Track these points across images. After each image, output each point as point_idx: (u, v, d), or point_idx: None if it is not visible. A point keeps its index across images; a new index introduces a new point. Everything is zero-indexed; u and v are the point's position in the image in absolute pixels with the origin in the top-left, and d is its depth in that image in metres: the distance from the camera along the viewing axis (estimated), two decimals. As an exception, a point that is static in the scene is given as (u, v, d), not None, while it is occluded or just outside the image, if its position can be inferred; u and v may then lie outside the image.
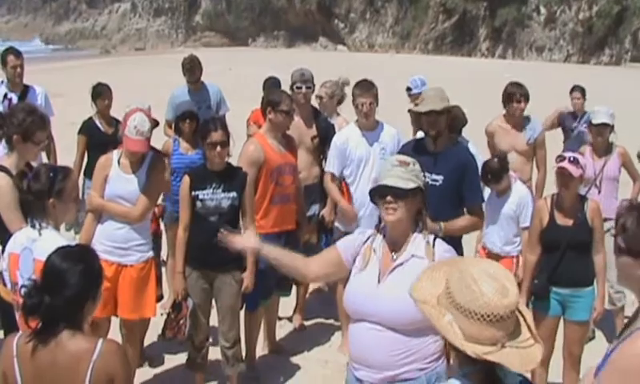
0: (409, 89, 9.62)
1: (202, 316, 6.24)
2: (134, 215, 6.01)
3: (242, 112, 10.19)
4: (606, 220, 6.36)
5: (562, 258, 5.89)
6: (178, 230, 6.29)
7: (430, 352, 3.90)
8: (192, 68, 9.29)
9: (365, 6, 62.49)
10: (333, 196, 7.28)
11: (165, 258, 8.16)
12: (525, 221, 6.82)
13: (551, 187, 6.45)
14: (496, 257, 6.95)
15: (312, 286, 8.57)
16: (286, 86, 7.93)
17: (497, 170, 6.82)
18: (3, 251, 4.71)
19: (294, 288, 7.70)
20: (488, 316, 2.63)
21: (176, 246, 6.35)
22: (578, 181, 5.91)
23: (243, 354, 6.59)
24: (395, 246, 4.06)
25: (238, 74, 32.36)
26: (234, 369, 6.35)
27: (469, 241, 6.77)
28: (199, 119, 7.69)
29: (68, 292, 3.24)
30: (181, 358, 6.83)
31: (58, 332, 3.24)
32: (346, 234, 5.73)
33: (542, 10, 53.60)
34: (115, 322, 6.27)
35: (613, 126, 7.80)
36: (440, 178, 5.80)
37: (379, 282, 4.00)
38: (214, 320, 6.41)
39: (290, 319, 8.14)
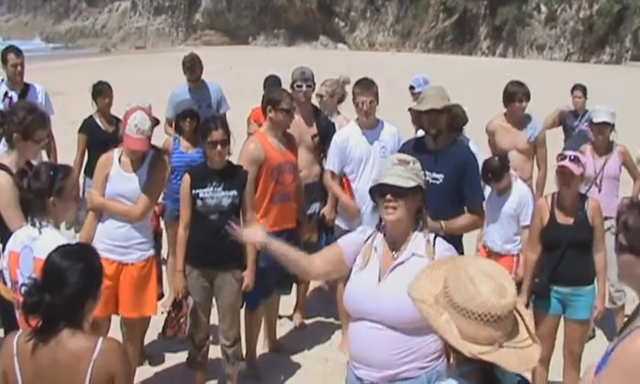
0: (412, 87, 9.61)
1: (202, 314, 6.24)
2: (134, 214, 6.01)
3: (242, 110, 10.19)
4: (606, 218, 6.36)
5: (562, 256, 5.89)
6: (178, 228, 6.30)
7: (431, 351, 3.90)
8: (192, 66, 9.29)
9: (365, 5, 62.47)
10: (334, 192, 7.28)
11: (165, 257, 8.16)
12: (525, 219, 6.81)
13: (552, 186, 6.45)
14: (496, 255, 6.95)
15: (312, 285, 8.58)
16: (286, 85, 7.93)
17: (497, 169, 6.82)
18: (3, 250, 4.71)
19: (295, 286, 7.70)
20: (485, 316, 2.62)
21: (176, 244, 6.35)
22: (578, 179, 5.91)
23: (244, 352, 6.59)
24: (395, 244, 4.06)
25: (239, 73, 32.34)
26: (234, 367, 6.35)
27: (469, 239, 6.77)
28: (200, 118, 7.69)
29: (68, 290, 3.23)
30: (181, 357, 6.83)
31: (58, 331, 3.24)
32: (347, 232, 5.74)
33: (543, 8, 53.59)
34: (115, 321, 6.26)
35: (613, 125, 7.81)
36: (440, 176, 5.79)
37: (380, 280, 4.00)
38: (214, 318, 6.41)
39: (290, 318, 8.14)
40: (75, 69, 37.68)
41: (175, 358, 7.08)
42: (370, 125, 7.11)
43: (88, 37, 79.66)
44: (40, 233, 4.37)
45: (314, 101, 8.18)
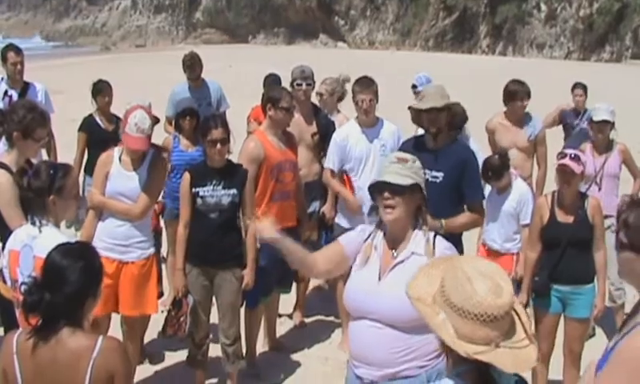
0: (414, 86, 9.60)
1: (202, 313, 6.24)
2: (134, 212, 6.01)
3: (242, 109, 10.18)
4: (606, 217, 6.36)
5: (562, 255, 5.88)
6: (178, 226, 6.30)
7: (431, 349, 3.89)
8: (192, 65, 9.29)
9: (365, 3, 62.44)
10: (334, 189, 7.28)
11: (165, 255, 8.15)
12: (525, 218, 6.81)
13: (551, 184, 6.45)
14: (496, 254, 6.95)
15: (312, 284, 8.58)
16: (286, 83, 7.93)
17: (497, 168, 6.82)
18: (3, 248, 4.71)
19: (294, 285, 7.70)
20: (481, 315, 2.60)
21: (176, 243, 6.35)
22: (579, 178, 5.90)
23: (243, 351, 6.58)
24: (395, 243, 4.06)
25: (239, 71, 32.34)
26: (234, 366, 6.35)
27: (470, 238, 6.77)
28: (199, 116, 7.69)
29: (68, 289, 3.23)
30: (181, 355, 6.84)
31: (58, 329, 3.24)
32: (347, 230, 5.74)
33: (543, 6, 53.58)
34: (115, 319, 6.26)
35: (613, 123, 7.81)
36: (440, 174, 5.80)
37: (380, 279, 4.00)
38: (214, 317, 6.41)
39: (290, 316, 8.14)
40: (75, 67, 37.67)
41: (175, 357, 7.08)
42: (370, 123, 7.11)
43: (88, 35, 79.63)
44: (40, 231, 4.37)
45: (314, 99, 8.18)
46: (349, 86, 7.73)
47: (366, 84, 7.03)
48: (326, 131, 7.64)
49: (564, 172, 5.83)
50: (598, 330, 7.59)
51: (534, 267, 6.07)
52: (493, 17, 54.82)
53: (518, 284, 6.43)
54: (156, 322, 6.78)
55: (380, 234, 4.13)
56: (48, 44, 75.54)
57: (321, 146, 7.70)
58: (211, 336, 6.46)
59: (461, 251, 5.48)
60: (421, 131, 6.47)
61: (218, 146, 6.02)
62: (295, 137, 7.20)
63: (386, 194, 3.96)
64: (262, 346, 7.32)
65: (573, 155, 5.85)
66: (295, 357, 7.32)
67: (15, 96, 8.47)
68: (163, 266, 7.72)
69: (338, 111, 8.39)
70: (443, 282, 2.72)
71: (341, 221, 7.23)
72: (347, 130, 7.19)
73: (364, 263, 4.10)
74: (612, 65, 45.74)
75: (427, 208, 4.12)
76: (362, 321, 4.00)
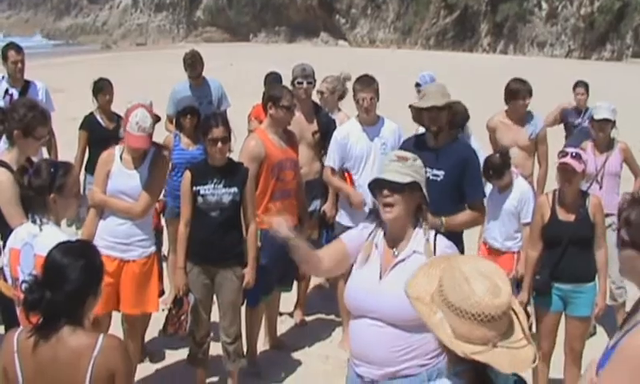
0: (418, 85, 9.60)
1: (203, 311, 6.24)
2: (136, 211, 6.00)
3: (243, 107, 10.18)
4: (607, 215, 6.35)
5: (563, 253, 5.88)
6: (179, 225, 6.29)
7: (431, 348, 3.89)
8: (193, 63, 9.29)
9: (366, 2, 62.48)
10: (335, 186, 7.28)
11: (166, 254, 8.16)
12: (526, 216, 6.81)
13: (552, 183, 6.45)
14: (497, 252, 6.95)
15: (313, 282, 8.57)
16: (287, 82, 7.92)
17: (499, 166, 6.82)
18: (4, 247, 4.71)
19: (295, 284, 7.70)
20: (479, 315, 2.59)
21: (177, 241, 6.35)
22: (580, 176, 5.90)
23: (244, 349, 6.58)
24: (395, 241, 4.06)
25: (239, 70, 32.34)
26: (235, 364, 6.35)
27: (471, 237, 6.76)
28: (200, 114, 7.69)
29: (69, 287, 3.23)
30: (182, 354, 6.84)
31: (58, 327, 3.24)
32: (348, 228, 5.74)
33: (544, 5, 53.59)
34: (116, 318, 6.26)
35: (614, 122, 7.80)
36: (441, 173, 5.79)
37: (380, 278, 4.00)
38: (215, 315, 6.41)
39: (290, 315, 8.14)
40: (76, 66, 37.67)
41: (176, 355, 7.08)
42: (371, 121, 7.11)
43: (89, 34, 79.69)
44: (40, 230, 4.38)
45: (315, 98, 8.17)
46: (350, 85, 7.73)
47: (366, 82, 7.03)
48: (326, 129, 7.64)
49: (565, 170, 5.82)
50: (599, 329, 7.59)
51: (535, 266, 6.06)
52: (494, 15, 54.83)
53: (518, 283, 6.43)
54: (157, 320, 6.78)
55: (381, 232, 4.12)
56: (49, 42, 75.62)
57: (322, 144, 7.69)
58: (212, 334, 6.46)
59: (462, 250, 5.49)
60: (422, 130, 6.47)
61: (219, 144, 6.01)
62: (296, 135, 7.20)
63: (385, 192, 3.97)
64: (262, 344, 7.32)
65: (574, 154, 5.85)
66: (296, 355, 7.32)
67: (16, 94, 8.47)
68: (164, 265, 7.72)
69: (339, 110, 8.38)
70: (441, 281, 2.71)
71: (341, 219, 7.23)
72: (348, 128, 7.19)
73: (364, 261, 4.10)
74: (613, 63, 45.72)
75: (428, 207, 4.11)
76: (363, 319, 4.00)
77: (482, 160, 6.61)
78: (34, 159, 5.41)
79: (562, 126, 10.47)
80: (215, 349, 6.53)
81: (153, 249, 6.21)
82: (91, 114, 8.84)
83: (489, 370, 2.64)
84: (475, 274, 2.65)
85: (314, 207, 7.67)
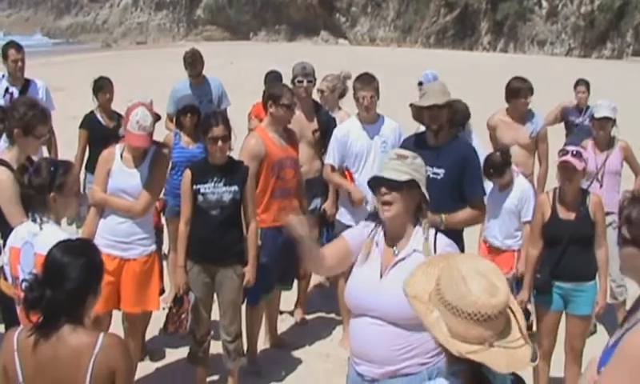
0: (421, 83, 9.59)
1: (203, 310, 6.24)
2: (136, 209, 6.00)
3: (243, 106, 10.18)
4: (608, 214, 6.35)
5: (564, 252, 5.88)
6: (179, 224, 6.29)
7: (432, 347, 3.88)
8: (193, 62, 9.29)
9: (366, 0, 62.45)
10: (335, 183, 7.28)
11: (166, 252, 8.16)
12: (527, 215, 6.81)
13: (553, 182, 6.44)
14: (497, 251, 6.96)
15: (313, 281, 8.57)
16: (287, 80, 7.92)
17: (499, 164, 6.82)
18: (4, 245, 4.71)
19: (296, 282, 7.70)
20: (475, 315, 2.59)
21: (177, 239, 6.35)
22: (580, 174, 5.90)
23: (245, 348, 6.58)
24: (395, 240, 4.06)
25: (240, 68, 32.33)
26: (235, 363, 6.35)
27: (472, 235, 6.76)
28: (200, 113, 7.69)
29: (69, 285, 3.23)
30: (182, 352, 6.84)
31: (59, 326, 3.24)
32: (348, 227, 5.74)
33: (544, 3, 53.58)
34: (117, 316, 6.26)
35: (615, 120, 7.80)
36: (441, 171, 5.79)
37: (381, 276, 4.00)
38: (215, 314, 6.40)
39: (291, 313, 8.14)
40: (76, 64, 37.67)
41: (176, 354, 7.08)
42: (371, 120, 7.11)
43: (89, 32, 79.66)
44: (41, 229, 4.38)
45: (315, 96, 8.17)
46: (350, 83, 7.73)
47: (367, 81, 7.03)
48: (327, 128, 7.64)
49: (566, 168, 5.82)
50: (600, 327, 7.59)
51: (536, 264, 6.06)
52: (494, 13, 54.83)
53: (518, 281, 6.43)
54: (157, 319, 6.78)
55: (381, 231, 4.12)
56: (49, 41, 75.55)
57: (322, 142, 7.69)
58: (212, 333, 6.46)
59: (462, 248, 5.50)
60: (422, 128, 6.47)
61: (219, 143, 6.01)
62: (296, 134, 7.20)
63: (383, 190, 3.97)
64: (263, 343, 7.32)
65: (574, 152, 5.84)
66: (296, 354, 7.32)
67: (16, 93, 8.46)
68: (164, 264, 7.72)
69: (339, 108, 8.38)
70: (439, 280, 2.71)
71: (342, 217, 7.23)
72: (348, 126, 7.19)
73: (365, 259, 4.10)
74: (613, 62, 45.71)
75: (428, 205, 4.11)
76: (363, 318, 4.00)
77: (482, 158, 6.61)
78: (34, 158, 5.41)
79: (562, 124, 10.46)
80: (215, 347, 6.53)
81: (153, 247, 6.21)
82: (91, 112, 8.84)
83: (486, 370, 2.64)
84: (472, 273, 2.64)
85: (314, 206, 7.67)
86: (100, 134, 8.38)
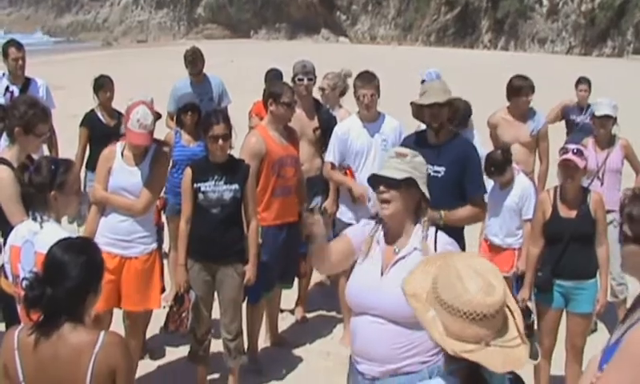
0: (424, 82, 9.58)
1: (204, 308, 6.23)
2: (137, 208, 6.00)
3: (243, 104, 10.18)
4: (608, 212, 6.34)
5: (564, 250, 5.87)
6: (179, 222, 6.29)
7: (433, 345, 3.86)
8: (194, 60, 9.28)
9: (367, -2, 62.50)
10: (336, 180, 7.28)
11: (167, 251, 8.15)
12: (527, 213, 6.81)
13: (554, 180, 6.44)
14: (498, 249, 6.96)
15: (314, 279, 8.57)
16: (287, 78, 7.93)
17: (500, 162, 6.82)
18: (5, 244, 4.71)
19: (296, 280, 7.70)
20: (470, 314, 2.58)
21: (178, 238, 6.35)
22: (582, 172, 5.89)
23: (245, 346, 6.58)
24: (395, 238, 4.06)
25: (240, 67, 32.31)
26: (236, 361, 6.35)
27: (472, 233, 6.76)
28: (201, 111, 7.68)
29: (69, 284, 3.23)
30: (183, 351, 6.84)
31: (59, 324, 3.23)
32: (348, 225, 5.74)
33: (545, 1, 53.53)
34: (118, 315, 6.26)
35: (615, 118, 7.79)
36: (442, 169, 5.78)
37: (382, 275, 3.99)
38: (216, 312, 6.40)
39: (292, 311, 8.14)
40: (77, 63, 37.69)
41: (177, 352, 7.08)
42: (371, 118, 7.10)
43: (90, 30, 79.60)
44: (41, 227, 4.38)
45: (316, 94, 8.17)
46: (350, 81, 7.73)
47: (367, 79, 7.03)
48: (327, 126, 7.64)
49: (567, 167, 5.81)
50: (600, 325, 7.59)
51: (536, 262, 6.06)
52: (494, 11, 54.78)
53: (519, 279, 6.43)
54: (158, 317, 6.78)
55: (382, 229, 4.12)
56: (49, 39, 75.51)
57: (322, 141, 7.69)
58: (213, 331, 6.45)
59: (463, 246, 5.50)
60: (423, 126, 6.47)
61: (220, 141, 6.01)
62: (297, 132, 7.19)
63: (381, 188, 3.98)
64: (263, 341, 7.32)
65: (575, 150, 5.84)
66: (297, 352, 7.32)
67: (16, 92, 8.47)
68: (165, 262, 7.71)
69: (340, 106, 8.38)
70: (436, 278, 2.71)
71: (342, 216, 7.23)
72: (349, 124, 7.19)
73: (365, 257, 4.10)
74: (614, 60, 45.67)
75: (428, 203, 4.10)
76: (364, 316, 4.00)
77: (482, 156, 6.61)
78: (35, 156, 5.40)
79: (563, 122, 10.45)
80: (216, 346, 6.53)
81: (154, 245, 6.21)
82: (92, 111, 8.84)
83: (483, 369, 2.63)
84: (469, 272, 2.64)
85: (314, 204, 7.65)
86: (100, 132, 8.38)
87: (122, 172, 6.00)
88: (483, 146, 7.32)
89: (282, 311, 7.82)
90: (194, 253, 6.13)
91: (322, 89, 8.40)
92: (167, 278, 7.48)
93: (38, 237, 4.32)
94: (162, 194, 6.99)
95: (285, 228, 6.84)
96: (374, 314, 3.94)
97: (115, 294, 5.99)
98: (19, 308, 4.24)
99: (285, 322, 7.94)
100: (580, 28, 51.27)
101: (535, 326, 6.09)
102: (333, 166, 7.17)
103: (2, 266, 4.77)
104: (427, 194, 4.06)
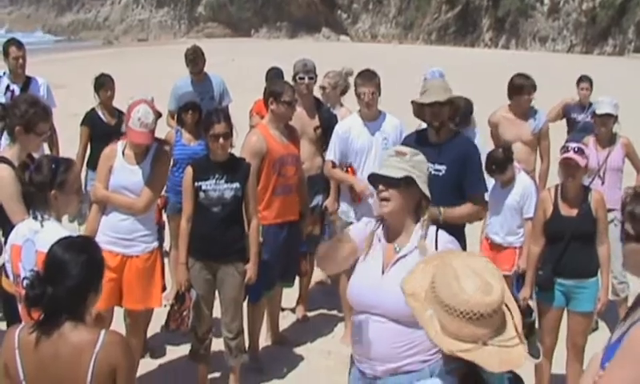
0: (426, 79, 9.56)
1: (205, 307, 6.23)
2: (138, 206, 6.00)
3: (244, 103, 10.18)
4: (609, 210, 6.34)
5: (565, 248, 5.87)
6: (180, 221, 6.29)
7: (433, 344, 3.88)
8: (195, 59, 9.28)
9: (367, -3, 62.48)
10: (337, 178, 7.27)
11: (168, 250, 8.15)
12: (528, 211, 6.81)
13: (554, 178, 6.44)
14: (499, 247, 6.96)
15: (315, 278, 8.57)
16: (288, 77, 7.93)
17: (501, 161, 6.82)
18: (5, 243, 4.71)
19: (297, 279, 7.69)
20: (467, 313, 2.58)
21: (179, 237, 6.35)
22: (583, 171, 5.89)
23: (246, 345, 6.59)
24: (395, 236, 4.06)
25: (241, 65, 32.29)
26: (237, 360, 6.35)
27: (474, 232, 6.75)
28: (202, 110, 7.68)
29: (70, 282, 3.23)
30: (184, 350, 6.83)
31: (60, 323, 3.23)
32: (349, 224, 5.73)
33: (546, 0, 53.50)
34: (118, 313, 6.26)
35: (616, 117, 7.79)
36: (443, 168, 5.78)
37: (383, 273, 3.99)
38: (217, 311, 6.40)
39: (292, 310, 8.14)
40: (77, 61, 37.67)
41: (178, 351, 7.08)
42: (372, 116, 7.10)
43: (90, 29, 79.57)
44: (42, 226, 4.37)
45: (317, 93, 8.17)
46: (351, 80, 7.73)
47: (368, 77, 7.02)
48: (328, 125, 7.63)
49: (568, 165, 5.81)
50: (601, 324, 7.59)
51: (538, 261, 6.05)
52: (495, 10, 54.75)
53: (519, 278, 6.43)
54: (158, 316, 6.78)
55: (381, 227, 4.12)
56: (50, 38, 75.49)
57: (323, 139, 7.68)
58: (214, 330, 6.45)
59: (464, 245, 5.49)
60: (424, 125, 6.46)
61: (221, 140, 6.01)
62: (297, 131, 7.19)
63: (380, 187, 3.99)
64: (264, 340, 7.32)
65: (576, 148, 5.84)
66: (298, 351, 7.32)
67: (17, 90, 8.47)
68: (166, 261, 7.71)
69: (341, 105, 8.38)
70: (434, 278, 2.70)
71: (343, 214, 7.22)
72: (349, 123, 7.19)
73: (365, 255, 4.10)
74: (615, 58, 45.65)
75: (428, 202, 4.10)
76: (365, 315, 3.99)
77: (483, 154, 6.60)
78: (36, 155, 5.40)
79: (564, 121, 10.45)
80: (217, 344, 6.53)
81: (156, 244, 6.21)
82: (93, 109, 8.85)
83: (481, 369, 2.63)
84: (467, 272, 2.63)
85: (315, 202, 7.67)
86: (101, 131, 8.39)
87: (122, 171, 6.00)
88: (485, 144, 7.31)
89: (282, 310, 7.82)
90: (194, 251, 6.13)
91: (322, 87, 8.39)
92: (168, 276, 7.47)
93: (38, 236, 4.32)
94: (162, 192, 6.99)
95: (286, 227, 6.84)
96: (374, 312, 3.94)
97: (116, 292, 6.00)
98: (20, 307, 4.24)
99: (286, 320, 7.94)
100: (581, 26, 51.24)
101: (536, 325, 6.09)
102: (333, 164, 7.17)
103: (3, 264, 4.77)
104: (427, 193, 4.06)
